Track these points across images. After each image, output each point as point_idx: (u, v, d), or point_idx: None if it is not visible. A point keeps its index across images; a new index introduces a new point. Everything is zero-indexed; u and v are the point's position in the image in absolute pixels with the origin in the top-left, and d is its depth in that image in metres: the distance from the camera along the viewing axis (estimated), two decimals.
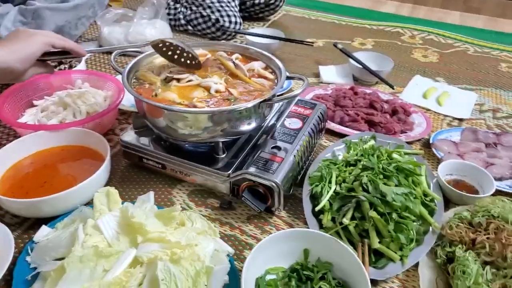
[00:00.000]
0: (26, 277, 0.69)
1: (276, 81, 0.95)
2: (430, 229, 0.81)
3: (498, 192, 0.93)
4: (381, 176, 0.82)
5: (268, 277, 0.71)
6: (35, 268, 0.71)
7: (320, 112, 1.05)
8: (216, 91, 0.90)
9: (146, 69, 0.99)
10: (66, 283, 0.62)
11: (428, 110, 1.32)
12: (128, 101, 1.18)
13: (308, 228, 0.81)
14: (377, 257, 0.76)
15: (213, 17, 1.67)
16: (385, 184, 0.80)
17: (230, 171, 0.87)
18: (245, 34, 1.64)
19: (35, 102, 1.15)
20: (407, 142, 1.07)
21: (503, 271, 0.66)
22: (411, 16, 2.27)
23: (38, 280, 0.69)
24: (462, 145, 1.09)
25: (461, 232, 0.74)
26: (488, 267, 0.67)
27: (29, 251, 0.74)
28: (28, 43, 0.82)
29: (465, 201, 0.88)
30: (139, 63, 0.98)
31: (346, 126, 1.18)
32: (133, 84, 0.94)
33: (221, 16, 1.66)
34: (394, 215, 0.76)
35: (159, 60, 1.01)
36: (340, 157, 0.97)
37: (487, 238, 0.71)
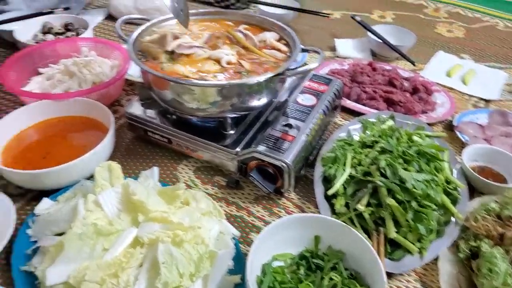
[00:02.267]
0: (26, 251, 0.67)
1: (289, 53, 0.89)
2: (453, 220, 0.75)
3: None
4: (401, 160, 0.77)
5: (275, 263, 0.67)
6: (35, 242, 0.69)
7: (336, 89, 0.98)
8: (228, 63, 0.84)
9: (148, 41, 0.92)
10: (65, 260, 0.60)
11: (452, 89, 1.24)
12: (135, 71, 1.14)
13: (319, 212, 0.77)
14: (393, 248, 0.71)
15: None
16: (405, 169, 0.74)
17: (238, 149, 0.82)
18: (258, 3, 1.56)
19: (40, 70, 1.11)
20: (428, 124, 1.00)
21: None
22: None
23: (37, 254, 0.67)
24: (490, 128, 1.02)
25: (488, 226, 0.68)
26: None
27: (30, 224, 0.72)
28: None
29: (492, 191, 0.82)
30: (145, 31, 0.93)
31: (363, 104, 1.11)
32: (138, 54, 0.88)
33: None
34: (414, 203, 0.71)
35: (163, 29, 0.95)
36: (356, 137, 0.91)
37: None
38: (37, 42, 1.22)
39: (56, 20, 1.32)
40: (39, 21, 1.31)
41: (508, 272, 0.59)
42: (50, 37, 1.27)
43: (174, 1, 0.86)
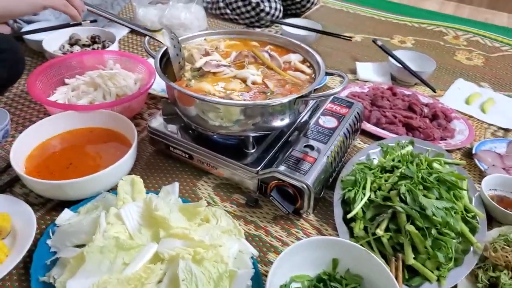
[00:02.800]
0: (45, 261, 0.68)
1: (313, 76, 0.90)
2: (471, 249, 0.74)
3: None
4: (421, 187, 0.77)
5: (293, 285, 0.67)
6: (55, 253, 0.69)
7: (357, 112, 0.99)
8: (253, 83, 0.86)
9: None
10: (85, 273, 0.60)
11: (471, 117, 1.24)
12: (158, 86, 1.16)
13: (337, 235, 0.77)
14: (410, 275, 0.71)
15: (253, 0, 1.61)
16: (425, 196, 0.74)
17: (259, 168, 0.83)
18: (281, 24, 1.58)
19: (66, 81, 1.14)
20: (447, 150, 1.00)
21: None
22: (455, 15, 2.16)
23: (57, 265, 0.68)
24: (508, 158, 1.01)
25: (507, 256, 0.68)
26: None
27: (51, 234, 0.73)
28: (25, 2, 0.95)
29: (511, 221, 0.81)
30: None
31: (383, 128, 1.11)
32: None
33: (262, 0, 1.61)
34: (433, 231, 0.71)
35: (188, 48, 0.98)
36: (376, 161, 0.91)
37: None
38: (64, 53, 1.26)
39: (83, 32, 1.36)
40: (66, 32, 1.35)
41: None
42: (77, 48, 1.30)
43: (176, 51, 0.88)
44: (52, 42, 1.30)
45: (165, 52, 0.92)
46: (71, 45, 1.32)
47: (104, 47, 1.31)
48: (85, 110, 0.96)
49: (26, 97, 1.15)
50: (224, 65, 0.89)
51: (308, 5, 1.81)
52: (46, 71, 1.10)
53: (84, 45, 1.32)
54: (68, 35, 1.35)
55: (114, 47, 1.29)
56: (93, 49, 1.31)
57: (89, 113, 0.96)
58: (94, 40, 1.34)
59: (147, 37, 0.94)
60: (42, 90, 1.05)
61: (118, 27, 1.56)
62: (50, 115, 0.95)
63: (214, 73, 0.88)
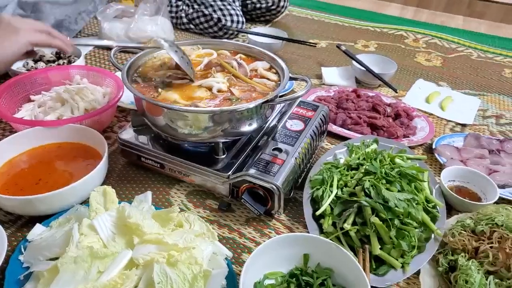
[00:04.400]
0: (18, 276, 0.68)
1: (279, 82, 0.93)
2: (432, 236, 0.79)
3: (501, 200, 0.91)
4: (384, 181, 0.81)
5: (267, 282, 0.69)
6: (28, 268, 0.69)
7: (323, 114, 1.03)
8: (219, 91, 0.88)
9: (147, 66, 0.97)
10: (60, 284, 0.60)
11: (431, 114, 1.31)
12: (127, 99, 1.17)
13: (308, 232, 0.80)
14: (378, 264, 0.74)
15: (215, 16, 1.65)
16: (387, 189, 0.78)
17: (230, 173, 0.85)
18: (247, 33, 1.62)
19: (32, 97, 1.13)
20: (410, 147, 1.06)
21: (506, 281, 0.65)
22: (414, 19, 2.26)
23: (30, 280, 0.67)
24: (465, 151, 1.08)
25: (463, 240, 0.72)
26: (491, 277, 0.65)
27: (22, 250, 0.72)
28: (9, 44, 0.79)
29: (468, 208, 0.87)
30: (139, 60, 0.97)
31: (348, 129, 1.16)
32: (133, 82, 0.92)
33: (223, 15, 1.64)
34: (396, 221, 0.75)
35: (160, 57, 1.00)
36: (342, 161, 0.95)
37: (491, 247, 0.69)
38: (28, 70, 1.25)
39: (48, 48, 1.35)
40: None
41: (482, 282, 0.63)
42: (41, 64, 1.29)
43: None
44: None
45: (132, 64, 0.94)
46: (35, 61, 1.31)
47: (69, 62, 1.31)
48: (52, 126, 0.95)
49: None
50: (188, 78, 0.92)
51: (279, 8, 1.86)
52: (10, 88, 1.08)
53: (49, 61, 1.31)
54: None
55: (80, 61, 1.29)
56: (58, 64, 1.30)
57: (57, 128, 0.95)
58: (59, 55, 1.34)
59: (113, 50, 0.96)
60: (7, 108, 1.04)
61: (83, 42, 1.56)
62: (16, 132, 0.94)
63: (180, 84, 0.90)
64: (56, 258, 0.66)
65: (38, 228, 0.76)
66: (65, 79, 1.17)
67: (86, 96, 1.10)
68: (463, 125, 1.27)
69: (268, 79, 0.94)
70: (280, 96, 0.86)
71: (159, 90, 0.88)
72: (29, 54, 0.86)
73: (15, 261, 0.71)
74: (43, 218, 0.79)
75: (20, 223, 0.82)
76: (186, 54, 0.93)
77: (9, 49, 0.79)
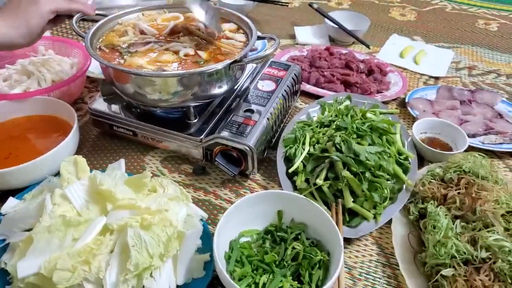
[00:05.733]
0: None
1: (247, 42, 0.92)
2: (404, 186, 0.81)
3: (472, 149, 0.93)
4: (355, 136, 0.82)
5: (242, 239, 0.70)
6: (3, 240, 0.69)
7: (294, 74, 1.02)
8: (185, 55, 0.86)
9: (112, 33, 0.94)
10: (35, 253, 0.60)
11: (405, 69, 1.31)
12: (97, 69, 1.13)
13: (282, 190, 0.81)
14: (351, 216, 0.76)
15: None
16: (358, 143, 0.79)
17: (202, 136, 0.85)
18: None
19: None
20: (384, 102, 1.06)
21: (472, 224, 0.67)
22: None
23: (7, 251, 0.67)
24: (437, 103, 1.09)
25: (433, 189, 0.74)
26: (458, 221, 0.68)
27: None
28: (30, 16, 0.76)
29: (439, 158, 0.89)
30: (102, 27, 0.94)
31: (322, 88, 1.16)
32: (98, 50, 0.89)
33: None
34: (368, 174, 0.76)
35: (125, 23, 0.97)
36: (315, 119, 0.96)
37: (458, 193, 0.72)
38: None
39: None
40: None
41: (449, 226, 0.65)
42: None
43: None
44: None
45: (96, 31, 0.91)
46: None
47: None
48: (19, 99, 0.93)
49: None
50: (152, 41, 0.89)
51: None
52: None
53: None
54: None
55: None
56: None
57: (25, 101, 0.93)
58: None
59: (74, 18, 0.92)
60: None
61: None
62: None
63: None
64: (31, 229, 0.66)
65: (11, 202, 0.76)
66: (30, 51, 1.13)
67: (52, 67, 1.07)
68: (437, 78, 1.27)
69: (235, 39, 0.92)
70: (250, 57, 0.84)
71: (125, 56, 0.86)
72: (55, 21, 0.82)
73: None
74: (16, 192, 0.78)
75: None
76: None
77: (33, 22, 0.77)
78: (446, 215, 0.67)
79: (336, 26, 1.39)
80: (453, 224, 0.67)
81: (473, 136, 0.99)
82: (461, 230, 0.65)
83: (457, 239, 0.63)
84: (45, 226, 0.62)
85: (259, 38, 0.90)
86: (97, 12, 0.91)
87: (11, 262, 0.62)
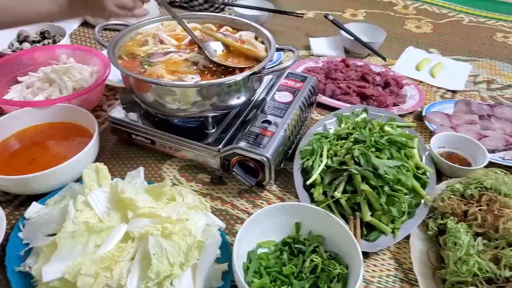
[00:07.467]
0: (19, 252, 0.69)
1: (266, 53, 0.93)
2: (422, 201, 0.81)
3: (491, 164, 0.92)
4: (373, 149, 0.82)
5: (260, 250, 0.71)
6: (27, 244, 0.71)
7: (311, 85, 1.03)
8: (204, 66, 0.88)
9: (132, 42, 0.96)
10: (59, 258, 0.62)
11: (421, 82, 1.31)
12: (115, 77, 1.16)
13: (299, 202, 0.81)
14: (368, 230, 0.76)
15: None
16: (377, 157, 0.79)
17: (220, 146, 0.86)
18: (233, 5, 1.59)
19: (19, 79, 1.12)
20: (400, 115, 1.06)
21: (494, 242, 0.67)
22: None
23: (31, 255, 0.69)
24: (455, 117, 1.09)
25: (453, 204, 0.74)
26: (479, 239, 0.67)
27: (21, 227, 0.74)
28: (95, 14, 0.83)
29: (458, 174, 0.88)
30: (123, 36, 0.96)
31: (338, 99, 1.16)
32: (119, 59, 0.91)
33: None
34: (386, 188, 0.76)
35: (145, 33, 0.99)
36: (332, 131, 0.96)
37: (479, 209, 0.71)
38: (13, 51, 1.23)
39: (32, 29, 1.32)
40: (13, 30, 1.30)
41: (470, 243, 0.64)
42: (26, 45, 1.28)
43: None
44: (0, 41, 1.26)
45: (117, 41, 0.93)
46: (20, 42, 1.29)
47: (54, 42, 1.29)
48: (42, 106, 0.95)
49: None
50: (172, 51, 0.91)
51: None
52: None
53: (34, 42, 1.29)
54: (16, 33, 1.31)
55: (66, 41, 1.27)
56: (44, 44, 1.28)
57: (47, 108, 0.95)
58: (43, 35, 1.31)
59: (97, 27, 0.94)
60: None
61: (67, 21, 1.52)
62: (6, 114, 0.94)
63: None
64: (54, 234, 0.67)
65: (34, 206, 0.77)
66: (51, 59, 1.16)
67: (73, 75, 1.09)
68: (454, 92, 1.27)
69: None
70: (268, 68, 0.85)
71: (145, 66, 0.87)
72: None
73: (15, 238, 0.72)
74: (39, 197, 0.80)
75: (17, 202, 0.83)
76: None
77: (99, 13, 0.83)
78: (467, 232, 0.67)
79: (352, 38, 1.40)
80: (475, 241, 0.66)
81: (492, 151, 0.98)
82: (483, 248, 0.65)
83: (479, 256, 0.62)
84: (69, 232, 0.63)
85: (278, 49, 0.91)
86: (118, 22, 0.94)
87: (35, 266, 0.63)
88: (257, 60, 0.89)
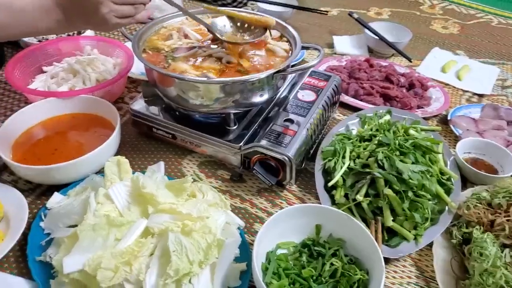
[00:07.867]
0: (40, 242, 0.70)
1: (291, 51, 0.91)
2: (446, 208, 0.79)
3: None
4: (397, 153, 0.80)
5: (279, 251, 0.70)
6: (48, 234, 0.71)
7: (335, 85, 1.01)
8: (228, 62, 0.87)
9: (157, 36, 0.96)
10: (80, 250, 0.62)
11: (447, 84, 1.28)
12: (137, 69, 1.16)
13: (319, 203, 0.80)
14: (390, 235, 0.75)
15: None
16: (401, 161, 0.77)
17: (241, 143, 0.85)
18: (257, 1, 1.58)
19: (44, 68, 1.13)
20: (424, 118, 1.04)
21: None
22: None
23: (52, 245, 0.70)
24: (482, 122, 1.06)
25: (479, 213, 0.72)
26: (507, 250, 0.65)
27: (43, 216, 0.75)
28: (98, 24, 0.77)
29: (484, 181, 0.86)
30: (148, 30, 0.95)
31: (361, 100, 1.14)
32: (143, 52, 0.91)
33: None
34: (410, 193, 0.74)
35: (170, 27, 0.98)
36: (354, 132, 0.94)
37: (507, 220, 0.69)
38: (39, 41, 1.24)
39: None
40: None
41: (497, 255, 0.62)
42: (51, 35, 1.29)
43: None
44: None
45: (142, 34, 0.93)
46: None
47: (79, 33, 1.30)
48: (66, 96, 0.96)
49: (4, 87, 1.14)
50: (196, 46, 0.90)
51: None
52: (23, 59, 1.08)
53: None
54: None
55: (90, 32, 1.28)
56: (69, 35, 1.29)
57: (71, 99, 0.96)
58: None
59: None
60: (21, 79, 1.05)
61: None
62: (30, 103, 0.95)
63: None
64: (75, 225, 0.68)
65: (56, 197, 0.78)
66: (76, 49, 1.17)
67: (97, 67, 1.10)
68: (481, 96, 1.23)
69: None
70: (292, 66, 0.84)
71: (169, 60, 0.87)
72: None
73: (36, 227, 0.74)
74: (60, 187, 0.81)
75: (39, 191, 0.84)
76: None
77: (103, 28, 0.80)
78: (494, 242, 0.65)
79: (376, 37, 1.37)
80: (502, 252, 0.64)
81: None
82: (510, 260, 0.63)
83: (507, 269, 0.60)
84: (90, 224, 0.64)
85: (303, 47, 0.89)
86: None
87: (56, 257, 0.64)
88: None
